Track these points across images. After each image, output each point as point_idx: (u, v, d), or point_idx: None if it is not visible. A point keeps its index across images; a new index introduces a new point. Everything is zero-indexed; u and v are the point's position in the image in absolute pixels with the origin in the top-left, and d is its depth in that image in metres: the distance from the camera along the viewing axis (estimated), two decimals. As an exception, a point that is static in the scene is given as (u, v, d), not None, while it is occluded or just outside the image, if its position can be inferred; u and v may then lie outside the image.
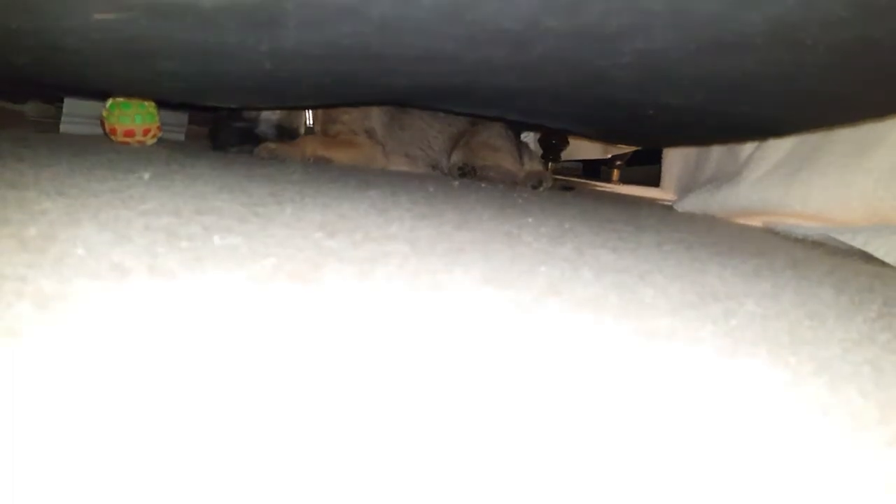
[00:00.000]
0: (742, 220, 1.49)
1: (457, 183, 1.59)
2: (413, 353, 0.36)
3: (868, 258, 1.03)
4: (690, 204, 1.65)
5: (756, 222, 1.45)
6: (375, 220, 0.79)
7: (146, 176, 0.91)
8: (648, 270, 0.70)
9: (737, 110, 1.04)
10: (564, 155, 2.68)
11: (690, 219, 1.48)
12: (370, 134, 1.78)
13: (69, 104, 1.69)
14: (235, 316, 0.38)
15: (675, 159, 2.03)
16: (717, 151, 1.67)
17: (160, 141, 1.70)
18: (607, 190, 2.49)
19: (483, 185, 1.63)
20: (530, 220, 1.02)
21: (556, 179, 2.14)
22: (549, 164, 2.57)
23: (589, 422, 0.30)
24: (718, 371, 0.39)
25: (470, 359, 0.36)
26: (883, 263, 1.00)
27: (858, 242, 1.07)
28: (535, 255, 0.71)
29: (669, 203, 1.80)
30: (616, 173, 3.58)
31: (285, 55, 0.90)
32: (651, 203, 1.85)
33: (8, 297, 0.35)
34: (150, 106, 1.62)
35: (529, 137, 2.49)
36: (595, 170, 3.81)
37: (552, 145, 2.59)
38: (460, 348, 0.38)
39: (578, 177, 3.35)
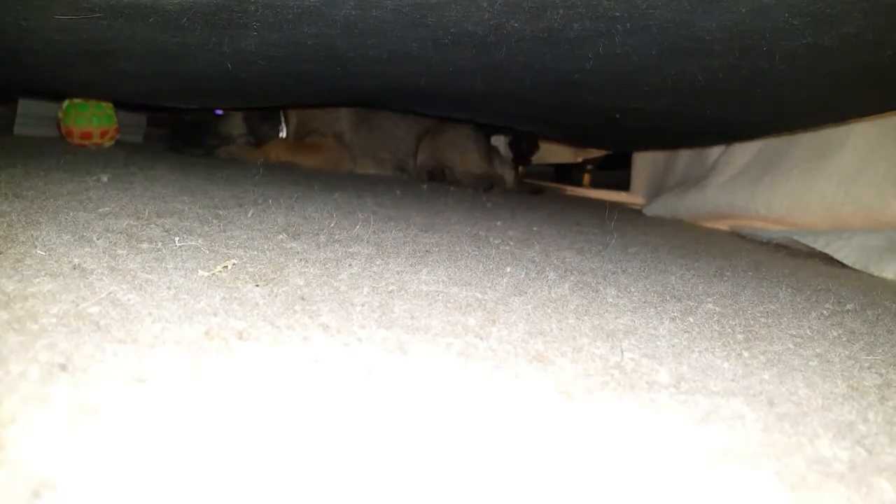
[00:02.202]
0: (709, 224, 1.54)
1: (425, 186, 1.61)
2: (376, 349, 0.38)
3: (828, 260, 1.08)
4: (659, 208, 1.69)
5: (723, 226, 1.50)
6: (340, 223, 0.80)
7: (105, 178, 0.90)
8: (612, 271, 0.72)
9: (701, 113, 1.08)
10: (535, 159, 2.72)
11: (658, 222, 1.52)
12: (339, 137, 1.80)
13: (24, 105, 1.66)
14: (195, 316, 0.39)
15: (644, 163, 2.08)
16: (684, 156, 1.72)
17: (118, 143, 1.69)
18: (578, 194, 2.53)
19: (452, 188, 1.65)
20: (499, 223, 1.04)
21: (526, 183, 2.17)
22: (520, 167, 2.60)
23: (541, 403, 0.32)
24: (671, 365, 0.41)
25: (433, 354, 0.38)
26: (842, 265, 1.05)
27: (819, 245, 1.12)
28: (502, 257, 0.73)
29: (639, 207, 1.84)
30: (587, 177, 3.64)
31: (247, 56, 0.91)
32: (620, 207, 1.89)
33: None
34: (107, 107, 1.61)
35: (500, 141, 2.52)
36: (566, 174, 3.86)
37: (523, 149, 2.62)
38: (423, 344, 0.39)
39: (550, 181, 3.39)
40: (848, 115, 1.10)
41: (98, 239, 0.55)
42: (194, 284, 0.46)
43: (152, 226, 0.64)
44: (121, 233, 0.59)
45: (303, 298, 0.46)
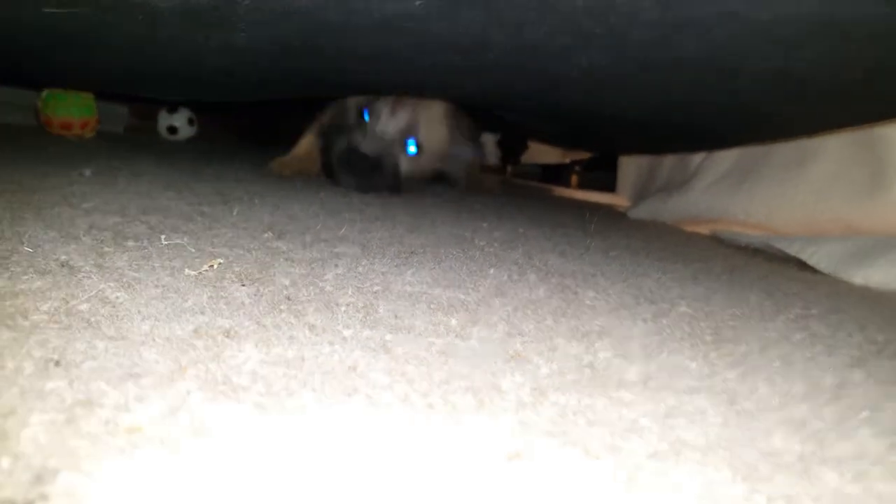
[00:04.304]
0: (691, 228, 1.57)
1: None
2: (360, 348, 0.40)
3: (802, 265, 1.12)
4: (643, 211, 1.72)
5: (704, 230, 1.53)
6: (326, 222, 0.82)
7: (88, 173, 0.91)
8: (592, 274, 0.75)
9: (681, 121, 1.11)
10: (524, 159, 2.75)
11: (641, 225, 1.55)
12: None
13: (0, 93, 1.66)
14: (183, 315, 0.41)
15: (629, 166, 2.11)
16: (668, 160, 1.75)
17: (99, 134, 1.69)
18: (565, 195, 2.56)
19: (439, 188, 1.67)
20: (485, 224, 1.06)
21: (510, 182, 2.19)
22: (508, 166, 2.63)
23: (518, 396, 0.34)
24: (641, 364, 0.44)
25: (415, 353, 0.40)
26: (814, 270, 1.08)
27: (794, 250, 1.15)
28: (486, 259, 0.75)
29: (624, 209, 1.88)
30: (574, 178, 3.68)
31: (234, 52, 0.92)
32: (606, 209, 1.92)
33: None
34: (88, 98, 1.61)
35: (488, 139, 2.55)
36: (554, 174, 3.90)
37: (511, 148, 2.65)
38: (406, 344, 0.41)
39: (538, 180, 3.42)
40: (819, 129, 1.14)
41: (84, 236, 0.56)
42: (181, 283, 0.47)
43: (137, 223, 0.65)
44: (107, 230, 0.60)
45: (288, 298, 0.48)
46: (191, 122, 2.38)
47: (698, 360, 0.46)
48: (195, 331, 0.38)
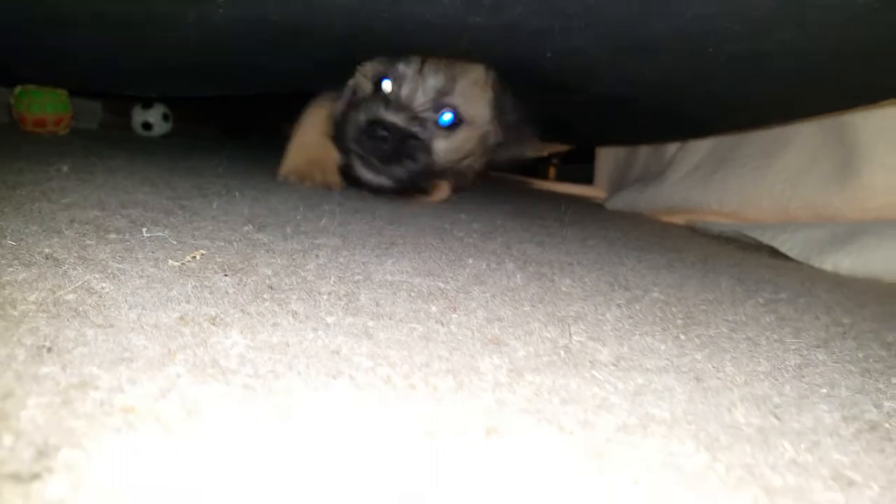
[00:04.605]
0: (666, 218, 1.60)
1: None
2: (343, 334, 0.41)
3: (774, 253, 1.15)
4: (619, 202, 1.75)
5: (679, 220, 1.57)
6: (306, 215, 0.83)
7: (65, 168, 0.91)
8: (569, 263, 0.77)
9: (655, 107, 1.14)
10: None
11: (618, 216, 1.58)
12: None
13: (-30, 89, 1.64)
14: (169, 304, 0.42)
15: (606, 158, 2.14)
16: (644, 151, 1.78)
17: (73, 130, 1.67)
18: (544, 187, 2.59)
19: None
20: (463, 216, 1.08)
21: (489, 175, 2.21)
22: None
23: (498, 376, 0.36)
24: (613, 346, 0.46)
25: (396, 338, 0.42)
26: (786, 257, 1.12)
27: (766, 238, 1.19)
28: (465, 249, 0.77)
29: (601, 201, 1.91)
30: (552, 171, 3.71)
31: (212, 28, 0.92)
32: (584, 201, 1.95)
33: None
34: (62, 94, 1.60)
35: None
36: (533, 167, 3.93)
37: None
38: (387, 330, 0.43)
39: (517, 173, 3.45)
40: (791, 116, 1.17)
41: (66, 230, 0.57)
42: (165, 274, 0.48)
43: (118, 216, 0.66)
44: (88, 223, 0.61)
45: (271, 287, 0.49)
46: (166, 117, 2.36)
47: (668, 342, 0.48)
48: (181, 318, 0.39)
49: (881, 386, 0.45)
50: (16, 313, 0.36)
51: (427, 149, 1.06)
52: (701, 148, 1.51)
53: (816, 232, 1.14)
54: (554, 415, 0.34)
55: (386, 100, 1.05)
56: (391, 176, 1.05)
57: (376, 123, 1.01)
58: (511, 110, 1.18)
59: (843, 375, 0.47)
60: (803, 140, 1.28)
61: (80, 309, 0.38)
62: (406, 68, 1.07)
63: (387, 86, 1.09)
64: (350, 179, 1.10)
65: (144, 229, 0.61)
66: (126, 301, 0.41)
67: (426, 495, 0.25)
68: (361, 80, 1.15)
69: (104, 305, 0.39)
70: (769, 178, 1.31)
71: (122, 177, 0.95)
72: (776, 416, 0.37)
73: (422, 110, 1.06)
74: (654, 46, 0.79)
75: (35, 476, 0.22)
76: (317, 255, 0.61)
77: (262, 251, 0.61)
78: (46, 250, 0.49)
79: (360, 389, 0.33)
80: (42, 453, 0.23)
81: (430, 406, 0.33)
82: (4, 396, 0.27)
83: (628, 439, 0.32)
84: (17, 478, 0.22)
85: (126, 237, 0.58)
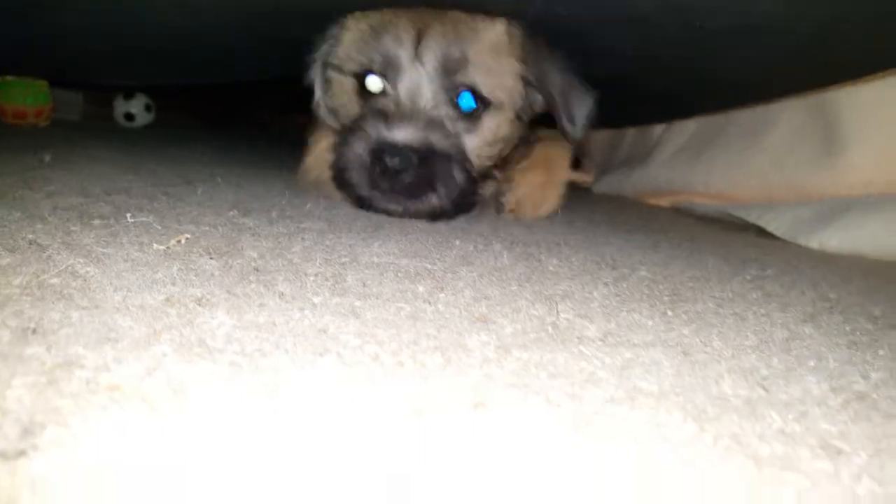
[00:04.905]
0: (653, 200, 1.61)
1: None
2: (330, 314, 0.41)
3: (761, 232, 1.16)
4: (606, 185, 1.76)
5: (665, 202, 1.57)
6: (291, 200, 0.83)
7: (47, 158, 0.90)
8: (556, 243, 0.77)
9: (642, 83, 1.14)
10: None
11: (605, 199, 1.59)
12: None
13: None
14: (154, 286, 0.42)
15: (593, 142, 2.14)
16: (630, 135, 1.79)
17: (53, 122, 1.65)
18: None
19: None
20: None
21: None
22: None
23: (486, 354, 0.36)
24: (601, 322, 0.46)
25: (384, 317, 0.42)
26: (773, 236, 1.13)
27: (752, 218, 1.19)
28: (452, 231, 0.77)
29: (587, 184, 1.91)
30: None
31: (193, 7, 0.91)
32: (571, 184, 1.95)
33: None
34: (42, 86, 1.58)
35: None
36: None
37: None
38: (375, 309, 0.43)
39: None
40: (779, 92, 1.18)
41: (49, 216, 0.56)
42: (150, 257, 0.48)
43: (102, 203, 0.65)
44: (71, 210, 0.60)
45: (257, 269, 0.49)
46: (148, 108, 2.34)
47: (655, 318, 0.49)
48: (167, 300, 0.39)
49: (868, 357, 0.46)
50: (0, 297, 0.36)
51: (460, 158, 0.80)
52: (686, 130, 1.52)
53: (803, 211, 1.15)
54: (541, 388, 0.34)
55: (382, 110, 0.79)
56: (426, 206, 0.80)
57: (383, 151, 0.75)
58: (558, 73, 0.88)
59: (830, 348, 0.47)
60: (788, 120, 1.28)
61: (65, 292, 0.38)
62: (397, 48, 0.80)
63: (374, 84, 0.83)
64: (354, 199, 0.84)
65: (129, 215, 0.60)
66: (111, 284, 0.40)
67: (414, 471, 0.25)
68: (337, 77, 0.89)
69: (89, 288, 0.39)
70: (755, 158, 1.31)
71: (106, 166, 0.94)
72: (764, 388, 0.37)
73: (434, 106, 0.81)
74: (638, 16, 0.79)
75: (21, 453, 0.22)
76: (302, 238, 0.61)
77: (248, 235, 0.60)
78: (30, 236, 0.49)
79: (347, 367, 0.33)
80: (28, 431, 0.23)
81: (418, 383, 0.33)
82: (-12, 377, 0.27)
83: (616, 411, 0.32)
84: (2, 455, 0.22)
85: (110, 223, 0.57)
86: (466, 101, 0.83)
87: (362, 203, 0.82)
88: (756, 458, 0.30)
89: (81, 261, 0.44)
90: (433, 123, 0.79)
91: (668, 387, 0.36)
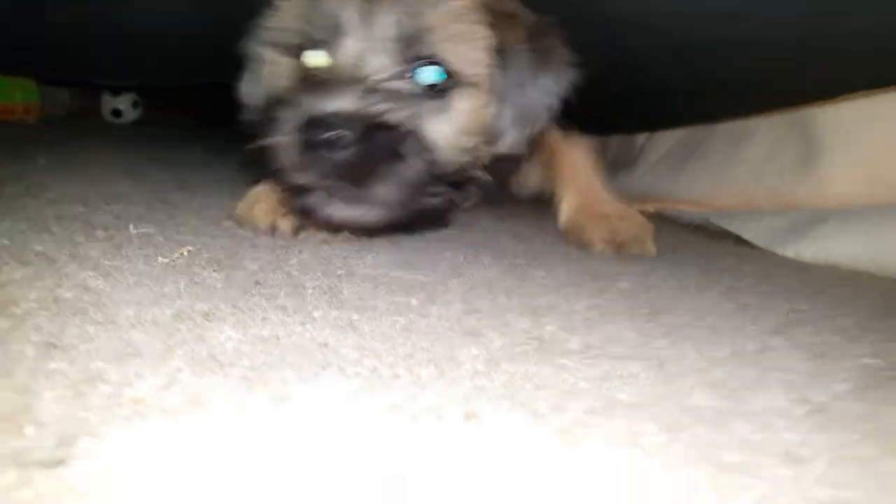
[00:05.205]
0: (637, 206, 1.64)
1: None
2: (329, 327, 0.44)
3: (740, 240, 1.20)
4: (592, 190, 1.80)
5: (650, 207, 1.61)
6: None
7: (42, 161, 0.92)
8: (543, 253, 0.80)
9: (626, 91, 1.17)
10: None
11: (591, 205, 1.62)
12: None
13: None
14: (163, 300, 0.44)
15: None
16: (614, 141, 1.82)
17: (42, 118, 1.66)
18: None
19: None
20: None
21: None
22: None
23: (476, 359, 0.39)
24: (583, 335, 0.49)
25: (380, 330, 0.44)
26: (752, 245, 1.17)
27: (733, 227, 1.23)
28: (442, 242, 0.80)
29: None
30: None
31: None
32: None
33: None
34: (29, 82, 1.59)
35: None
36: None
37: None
38: (371, 322, 0.46)
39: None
40: (752, 111, 1.23)
41: (54, 227, 0.58)
42: (156, 271, 0.50)
43: (102, 212, 0.68)
44: (74, 220, 0.62)
45: (258, 283, 0.51)
46: (135, 104, 2.34)
47: (634, 330, 0.52)
48: (177, 314, 0.41)
49: (833, 369, 0.49)
50: (19, 311, 0.38)
51: (416, 136, 0.66)
52: (670, 138, 1.56)
53: (779, 220, 1.19)
54: (528, 400, 0.37)
55: (321, 80, 0.66)
56: (376, 200, 0.65)
57: (314, 123, 0.60)
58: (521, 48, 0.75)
59: (798, 360, 0.51)
60: (766, 132, 1.33)
61: (80, 306, 0.40)
62: (341, 11, 0.68)
63: (314, 57, 0.70)
64: (320, 220, 0.68)
65: (131, 226, 0.62)
66: (122, 298, 0.43)
67: (409, 475, 0.28)
68: (273, 56, 0.75)
69: (101, 303, 0.41)
70: (735, 168, 1.35)
71: (100, 168, 0.96)
72: (733, 400, 0.40)
73: (383, 77, 0.66)
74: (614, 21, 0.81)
75: (59, 462, 0.25)
76: (299, 251, 0.64)
77: (246, 246, 0.63)
78: (38, 248, 0.51)
79: (348, 379, 0.36)
80: (63, 441, 0.26)
81: (413, 393, 0.36)
82: (22, 391, 0.29)
83: (595, 421, 0.35)
84: (44, 464, 0.24)
85: (113, 234, 0.60)
86: (428, 74, 0.69)
87: (296, 201, 0.67)
88: (721, 465, 0.33)
89: (91, 274, 0.47)
90: (383, 93, 0.64)
91: (643, 398, 0.39)
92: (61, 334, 0.36)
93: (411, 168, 0.64)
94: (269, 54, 0.74)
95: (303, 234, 0.71)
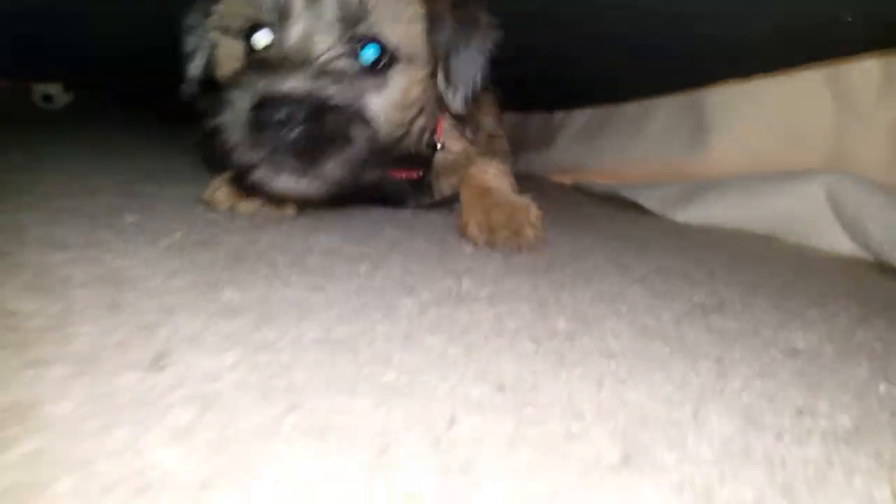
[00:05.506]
0: (557, 178, 1.86)
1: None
2: (304, 289, 0.60)
3: (641, 208, 1.42)
4: (516, 165, 2.00)
5: (567, 179, 1.82)
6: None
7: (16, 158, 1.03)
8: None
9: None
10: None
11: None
12: None
13: None
14: (178, 272, 0.60)
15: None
16: (535, 120, 2.02)
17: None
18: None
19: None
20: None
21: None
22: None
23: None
24: (490, 288, 0.67)
25: (341, 290, 0.62)
26: (650, 212, 1.39)
27: (634, 196, 1.45)
28: (382, 223, 0.96)
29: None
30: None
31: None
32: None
33: None
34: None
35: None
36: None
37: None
38: (333, 284, 0.63)
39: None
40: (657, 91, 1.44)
41: (64, 218, 0.72)
42: (160, 252, 0.66)
43: (91, 205, 0.81)
44: (73, 212, 0.76)
45: (239, 258, 0.67)
46: (66, 88, 2.38)
47: (529, 283, 0.71)
48: (192, 283, 0.57)
49: (666, 304, 0.69)
50: (76, 282, 0.53)
51: (361, 116, 0.74)
52: (581, 117, 1.77)
53: (671, 190, 1.42)
54: (446, 330, 0.55)
55: (267, 60, 0.73)
56: (322, 176, 0.73)
57: (266, 103, 0.67)
58: (449, 17, 0.83)
59: (642, 299, 0.71)
60: (663, 112, 1.55)
61: (119, 279, 0.56)
62: None
63: (262, 38, 0.77)
64: (267, 194, 0.77)
65: (126, 215, 0.77)
66: (146, 273, 0.58)
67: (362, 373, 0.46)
68: (222, 40, 0.81)
69: (136, 276, 0.57)
70: (637, 144, 1.57)
71: (67, 163, 1.08)
72: (584, 325, 0.60)
73: (330, 57, 0.74)
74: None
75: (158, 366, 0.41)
76: (265, 232, 0.80)
77: (221, 229, 0.78)
78: (58, 235, 0.65)
79: (324, 323, 0.53)
80: (160, 356, 0.42)
81: (369, 328, 0.53)
82: (109, 331, 0.45)
83: (490, 343, 0.54)
84: (138, 367, 0.41)
85: (111, 223, 0.74)
86: (370, 53, 0.77)
87: (245, 178, 0.73)
88: (564, 361, 0.52)
89: (110, 256, 0.62)
90: (329, 74, 0.72)
91: (523, 326, 0.58)
92: (120, 298, 0.51)
93: (355, 146, 0.72)
94: (216, 37, 0.82)
95: (260, 214, 0.86)
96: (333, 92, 0.70)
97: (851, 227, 1.12)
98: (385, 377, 0.44)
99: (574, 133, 1.76)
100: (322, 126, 0.69)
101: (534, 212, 0.89)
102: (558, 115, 1.88)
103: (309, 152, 0.69)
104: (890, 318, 0.75)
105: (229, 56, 0.81)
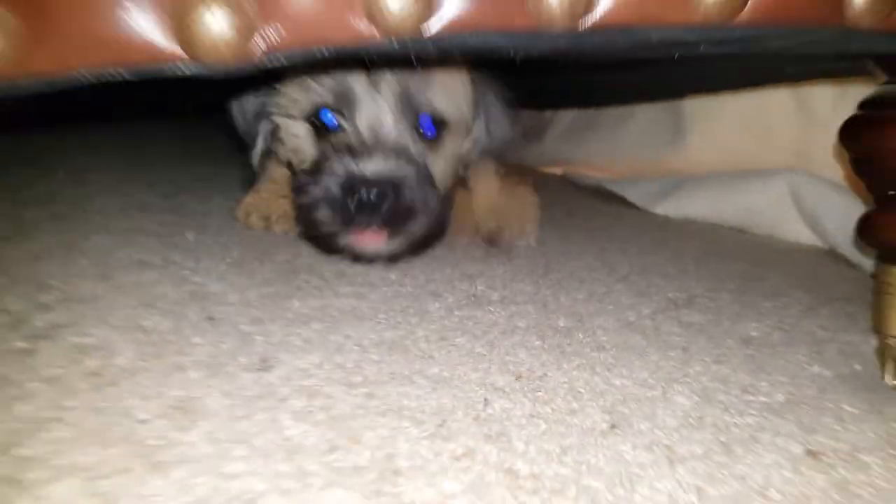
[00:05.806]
0: (548, 170, 2.00)
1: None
2: (353, 299, 0.75)
3: (625, 202, 1.57)
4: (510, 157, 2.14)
5: (557, 171, 1.97)
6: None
7: (61, 174, 1.17)
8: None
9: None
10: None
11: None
12: None
13: None
14: (255, 287, 0.75)
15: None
16: (525, 115, 2.16)
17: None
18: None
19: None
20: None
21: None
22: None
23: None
24: (500, 291, 0.83)
25: (379, 294, 0.76)
26: (632, 205, 1.54)
27: (618, 190, 1.61)
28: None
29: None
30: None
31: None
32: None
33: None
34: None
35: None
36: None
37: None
38: (375, 290, 0.78)
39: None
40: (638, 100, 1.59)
41: (138, 239, 0.86)
42: (228, 267, 0.80)
43: (150, 222, 0.95)
44: (138, 232, 0.90)
45: (294, 270, 0.82)
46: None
47: (532, 285, 0.86)
48: (268, 295, 0.72)
49: (644, 301, 0.85)
50: (172, 299, 0.68)
51: (430, 182, 0.87)
52: (569, 113, 1.91)
53: (653, 185, 1.57)
54: (470, 330, 0.70)
55: (345, 145, 0.84)
56: (407, 238, 0.85)
57: (355, 185, 0.80)
58: (495, 103, 1.03)
59: (626, 297, 0.86)
60: (645, 110, 1.70)
61: (206, 292, 0.70)
62: (351, 81, 0.86)
63: (330, 121, 0.89)
64: (329, 249, 0.88)
65: (187, 233, 0.91)
66: (233, 286, 0.73)
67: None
68: (285, 122, 0.94)
69: (227, 290, 0.71)
70: (621, 141, 1.72)
71: (104, 178, 1.22)
72: (580, 321, 0.75)
73: (398, 136, 0.86)
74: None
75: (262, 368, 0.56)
76: (301, 244, 0.94)
77: (266, 245, 0.93)
78: (137, 257, 0.79)
79: (374, 325, 0.68)
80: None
81: (411, 331, 0.68)
82: (217, 321, 0.60)
83: (507, 339, 0.69)
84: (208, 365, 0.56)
85: (177, 241, 0.88)
86: (428, 125, 0.90)
87: (330, 244, 0.85)
88: (564, 353, 0.67)
89: (190, 272, 0.76)
90: (399, 152, 0.83)
91: (531, 325, 0.73)
92: (214, 311, 0.66)
93: (430, 208, 0.85)
94: (280, 120, 0.94)
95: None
96: (406, 168, 0.82)
97: (811, 220, 1.28)
98: (431, 370, 0.59)
99: (562, 130, 1.91)
100: (402, 200, 0.81)
101: (530, 211, 1.07)
102: (548, 113, 2.02)
103: (397, 221, 0.83)
104: (834, 308, 0.90)
105: (294, 137, 0.93)
